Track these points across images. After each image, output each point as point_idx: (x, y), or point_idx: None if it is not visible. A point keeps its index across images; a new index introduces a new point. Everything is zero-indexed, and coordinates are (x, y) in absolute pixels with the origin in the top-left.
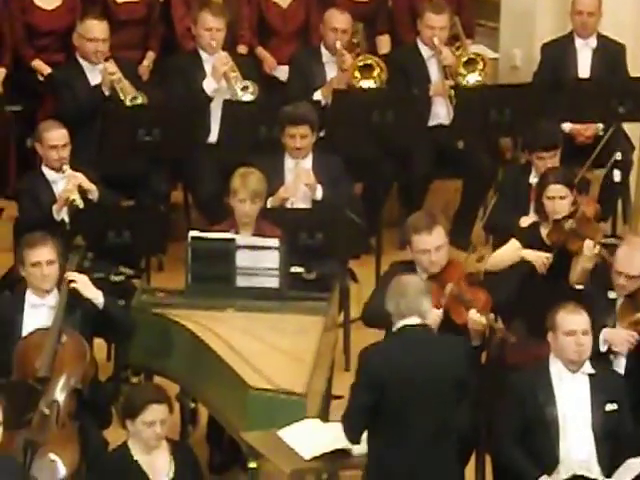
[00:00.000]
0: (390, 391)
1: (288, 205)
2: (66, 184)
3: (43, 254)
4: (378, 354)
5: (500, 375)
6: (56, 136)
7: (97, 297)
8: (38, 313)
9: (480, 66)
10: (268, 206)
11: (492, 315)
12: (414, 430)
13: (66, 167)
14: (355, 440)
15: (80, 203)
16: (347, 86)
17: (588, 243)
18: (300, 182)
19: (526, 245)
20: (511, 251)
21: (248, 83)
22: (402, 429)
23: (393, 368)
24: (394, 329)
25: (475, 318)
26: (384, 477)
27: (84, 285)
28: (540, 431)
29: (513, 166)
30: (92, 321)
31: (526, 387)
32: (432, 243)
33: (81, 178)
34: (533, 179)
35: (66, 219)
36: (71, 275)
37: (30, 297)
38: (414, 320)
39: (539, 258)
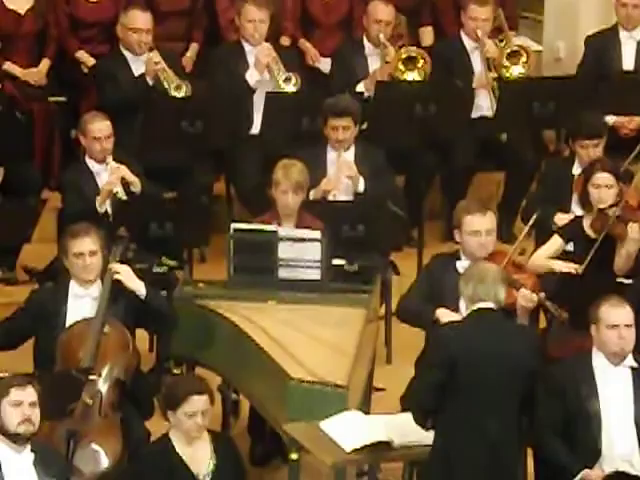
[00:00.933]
0: (461, 372)
1: (330, 197)
2: (109, 176)
3: (86, 244)
4: (452, 332)
5: (541, 365)
6: (100, 128)
7: (140, 288)
8: (81, 304)
9: (524, 58)
10: (310, 198)
11: (543, 294)
12: (482, 417)
13: (109, 159)
14: (422, 422)
15: (123, 195)
16: (390, 78)
17: (633, 226)
18: (342, 174)
19: (568, 238)
20: (541, 260)
21: (290, 75)
22: (470, 415)
23: (466, 348)
24: (468, 311)
25: (526, 294)
26: (450, 465)
27: (127, 276)
28: (582, 424)
29: (555, 158)
30: (135, 312)
31: (568, 380)
32: (484, 224)
33: (124, 170)
34: (576, 170)
35: (109, 211)
36: (114, 266)
37: (73, 288)
38: (489, 305)
39: (568, 270)
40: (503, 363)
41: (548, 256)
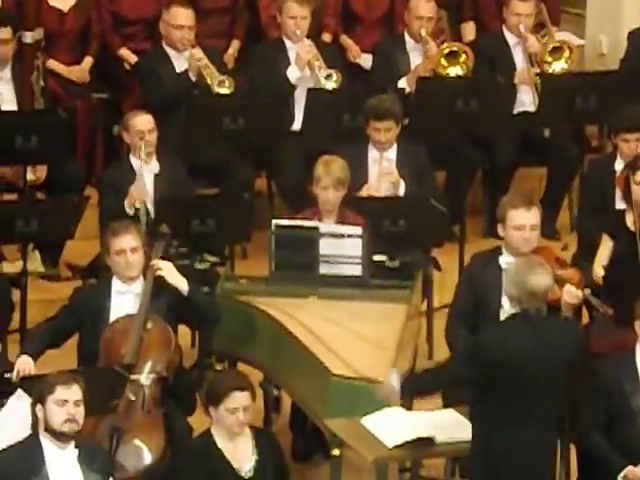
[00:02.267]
0: (502, 372)
1: None
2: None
3: (127, 242)
4: (495, 333)
5: (584, 362)
6: (143, 122)
7: (182, 284)
8: (124, 300)
9: (566, 54)
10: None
11: (588, 290)
12: (524, 414)
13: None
14: (406, 393)
15: (143, 214)
16: (432, 73)
17: None
18: (383, 180)
19: (612, 234)
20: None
21: (332, 71)
22: (511, 413)
23: (509, 348)
24: (512, 311)
25: (572, 290)
26: (493, 462)
27: (169, 272)
28: (626, 421)
29: (597, 157)
30: (177, 308)
31: (611, 376)
32: (529, 219)
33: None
34: (618, 166)
35: (151, 208)
36: (157, 262)
37: (116, 284)
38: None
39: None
40: (545, 363)
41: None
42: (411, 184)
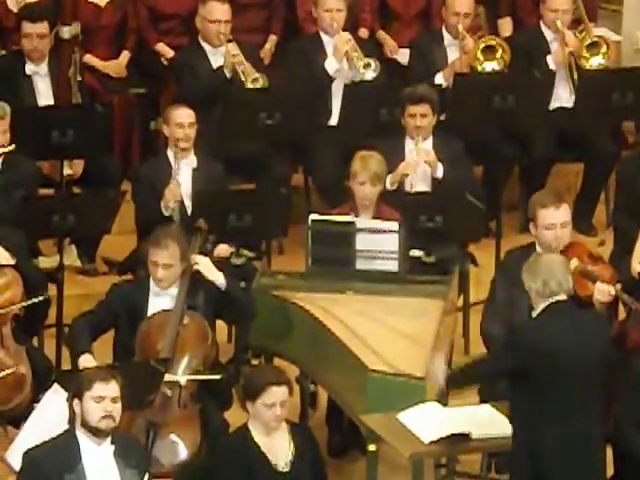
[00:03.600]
0: (539, 366)
1: (407, 184)
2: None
3: (162, 257)
4: (532, 325)
5: (621, 358)
6: (183, 114)
7: (219, 279)
8: (162, 301)
9: (603, 49)
10: (387, 183)
11: (619, 286)
12: (564, 410)
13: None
14: (451, 387)
15: (176, 214)
16: (469, 68)
17: None
18: (421, 159)
19: None
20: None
21: (370, 61)
22: (552, 409)
23: (546, 341)
24: (541, 307)
25: (603, 288)
26: (536, 459)
27: (206, 267)
28: None
29: (631, 153)
30: (214, 303)
31: None
32: (559, 217)
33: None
34: None
35: (188, 203)
36: (194, 257)
37: (153, 287)
38: (562, 297)
39: None
40: (582, 356)
41: None
42: (448, 169)
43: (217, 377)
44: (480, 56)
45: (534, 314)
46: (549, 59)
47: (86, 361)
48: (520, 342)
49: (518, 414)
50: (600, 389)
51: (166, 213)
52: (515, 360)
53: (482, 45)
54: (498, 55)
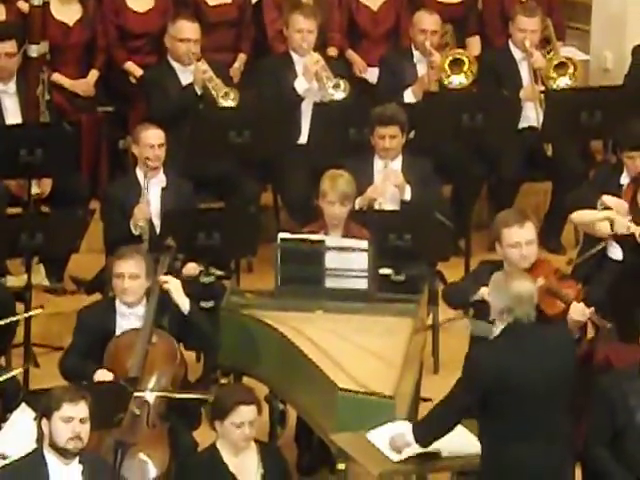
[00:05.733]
0: (500, 391)
1: (376, 206)
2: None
3: (127, 266)
4: (486, 353)
5: (588, 376)
6: (153, 135)
7: (184, 304)
8: (129, 322)
9: (571, 70)
10: (356, 206)
11: (592, 308)
12: (530, 430)
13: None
14: (427, 443)
15: (145, 232)
16: (437, 82)
17: None
18: (389, 182)
19: (617, 240)
20: (590, 214)
21: (339, 81)
22: (518, 429)
23: (503, 367)
24: (500, 328)
25: (579, 308)
26: (503, 477)
27: (176, 288)
28: (631, 436)
29: (605, 165)
30: (177, 327)
31: (616, 391)
32: (523, 236)
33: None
34: (624, 179)
35: (157, 222)
36: (165, 277)
37: (120, 307)
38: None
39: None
40: (545, 374)
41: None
42: (416, 191)
43: (207, 397)
44: (447, 69)
45: (492, 336)
46: (521, 93)
47: (103, 375)
48: (476, 376)
49: (485, 433)
50: (566, 406)
51: (135, 232)
52: (474, 394)
53: (449, 58)
54: (465, 68)
